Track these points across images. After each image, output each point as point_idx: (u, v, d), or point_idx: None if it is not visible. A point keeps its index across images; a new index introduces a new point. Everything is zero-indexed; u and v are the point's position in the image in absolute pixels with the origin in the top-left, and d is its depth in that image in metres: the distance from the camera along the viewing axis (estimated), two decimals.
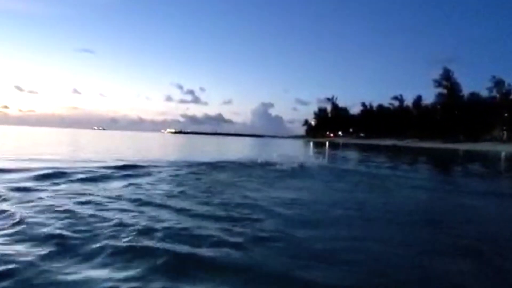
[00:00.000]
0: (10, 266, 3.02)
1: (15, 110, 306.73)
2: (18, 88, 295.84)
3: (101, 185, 7.48)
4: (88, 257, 3.33)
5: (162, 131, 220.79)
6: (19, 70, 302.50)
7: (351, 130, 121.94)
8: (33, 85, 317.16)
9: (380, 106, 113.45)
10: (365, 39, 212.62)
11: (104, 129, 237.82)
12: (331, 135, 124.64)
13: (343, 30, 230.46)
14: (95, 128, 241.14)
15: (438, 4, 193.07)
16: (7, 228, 4.01)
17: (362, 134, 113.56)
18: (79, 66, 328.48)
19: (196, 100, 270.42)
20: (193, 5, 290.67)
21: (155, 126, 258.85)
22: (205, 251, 3.58)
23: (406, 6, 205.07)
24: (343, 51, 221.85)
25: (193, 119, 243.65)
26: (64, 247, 3.53)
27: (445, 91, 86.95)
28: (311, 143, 71.04)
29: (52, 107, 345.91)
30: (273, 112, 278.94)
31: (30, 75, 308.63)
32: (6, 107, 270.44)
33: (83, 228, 4.15)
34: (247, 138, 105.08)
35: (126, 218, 4.64)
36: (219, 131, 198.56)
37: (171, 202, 5.81)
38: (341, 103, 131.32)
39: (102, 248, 3.52)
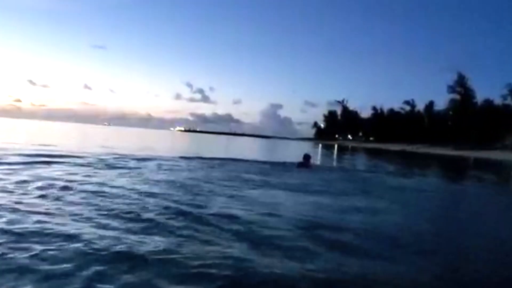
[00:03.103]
0: None
1: (28, 103, 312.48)
2: (31, 82, 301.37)
3: None
4: None
5: (171, 129, 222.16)
6: (32, 65, 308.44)
7: (360, 133, 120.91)
8: (46, 79, 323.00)
9: (391, 110, 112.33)
10: (377, 42, 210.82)
11: (113, 125, 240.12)
12: (340, 138, 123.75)
13: (354, 33, 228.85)
14: (106, 124, 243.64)
15: (453, 9, 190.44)
16: None
17: (371, 138, 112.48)
18: (91, 62, 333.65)
19: (205, 99, 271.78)
20: (205, 5, 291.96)
21: (164, 124, 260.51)
22: None
23: (419, 9, 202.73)
24: (353, 54, 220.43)
25: (202, 118, 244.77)
26: None
27: (458, 97, 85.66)
28: (320, 146, 70.53)
29: (63, 101, 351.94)
30: (282, 113, 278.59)
31: (43, 69, 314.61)
32: (18, 100, 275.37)
33: None
34: (257, 139, 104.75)
35: None
36: (228, 130, 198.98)
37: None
38: (350, 106, 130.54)
39: None
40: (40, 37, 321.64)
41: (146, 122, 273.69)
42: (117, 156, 12.36)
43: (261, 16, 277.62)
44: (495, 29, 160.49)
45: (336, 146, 78.41)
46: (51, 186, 6.13)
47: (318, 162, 17.56)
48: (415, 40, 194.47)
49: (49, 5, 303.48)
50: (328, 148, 59.08)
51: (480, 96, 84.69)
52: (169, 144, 33.09)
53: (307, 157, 13.52)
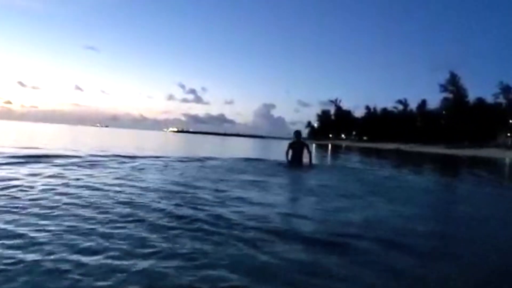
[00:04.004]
0: None
1: (18, 105, 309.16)
2: (21, 83, 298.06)
3: None
4: None
5: (165, 130, 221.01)
6: (22, 66, 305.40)
7: (354, 133, 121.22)
8: (36, 81, 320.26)
9: (384, 110, 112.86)
10: (369, 41, 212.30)
11: (106, 126, 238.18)
12: (334, 137, 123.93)
13: (347, 32, 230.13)
14: (98, 125, 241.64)
15: (445, 8, 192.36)
16: None
17: (365, 138, 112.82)
18: (82, 63, 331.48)
19: (198, 100, 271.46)
20: (196, 5, 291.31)
21: (157, 124, 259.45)
22: None
23: (412, 9, 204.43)
24: (346, 53, 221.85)
25: (195, 119, 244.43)
26: None
27: (450, 95, 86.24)
28: (314, 145, 70.21)
29: (54, 103, 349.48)
30: (275, 113, 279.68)
31: (33, 71, 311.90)
32: (9, 102, 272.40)
33: None
34: (250, 139, 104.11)
35: None
36: (222, 131, 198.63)
37: None
38: (344, 106, 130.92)
39: None
40: (29, 38, 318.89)
41: (139, 123, 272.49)
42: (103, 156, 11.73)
43: (253, 17, 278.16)
44: (486, 29, 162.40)
45: (330, 145, 78.19)
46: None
47: (314, 162, 16.99)
48: (407, 39, 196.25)
49: (39, 6, 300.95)
50: (322, 147, 58.83)
51: (472, 95, 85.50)
52: (162, 145, 32.40)
53: (298, 134, 11.47)
